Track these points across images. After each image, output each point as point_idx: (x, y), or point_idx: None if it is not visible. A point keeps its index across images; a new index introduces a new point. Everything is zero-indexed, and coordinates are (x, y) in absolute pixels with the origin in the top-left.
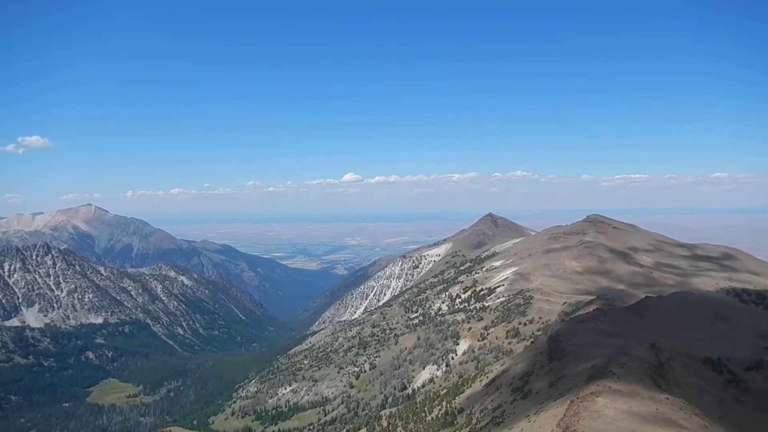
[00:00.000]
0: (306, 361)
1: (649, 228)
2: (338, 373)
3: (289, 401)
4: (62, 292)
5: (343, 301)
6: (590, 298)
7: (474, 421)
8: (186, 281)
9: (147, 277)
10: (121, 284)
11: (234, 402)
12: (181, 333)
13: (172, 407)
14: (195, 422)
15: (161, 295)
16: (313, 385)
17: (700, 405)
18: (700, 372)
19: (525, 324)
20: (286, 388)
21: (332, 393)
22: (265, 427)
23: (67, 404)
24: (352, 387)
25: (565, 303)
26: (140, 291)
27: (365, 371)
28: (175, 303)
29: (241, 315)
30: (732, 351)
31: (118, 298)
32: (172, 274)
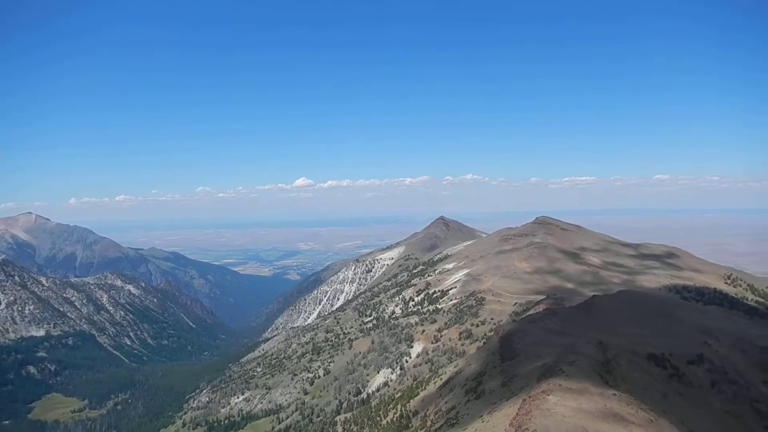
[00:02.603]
0: (259, 369)
1: (596, 228)
2: (292, 379)
3: (242, 410)
4: (0, 304)
5: (297, 307)
6: (540, 297)
7: (429, 423)
8: (133, 290)
9: (92, 287)
10: (64, 295)
11: (185, 413)
12: (129, 343)
13: (120, 421)
14: None
15: (107, 305)
16: (267, 392)
17: (645, 399)
18: (645, 367)
19: (477, 325)
20: (238, 397)
21: (286, 400)
22: None
23: (7, 422)
24: (306, 393)
25: (516, 303)
26: (84, 301)
27: (319, 377)
28: (122, 313)
29: (191, 323)
30: (674, 346)
31: (61, 309)
32: (119, 283)
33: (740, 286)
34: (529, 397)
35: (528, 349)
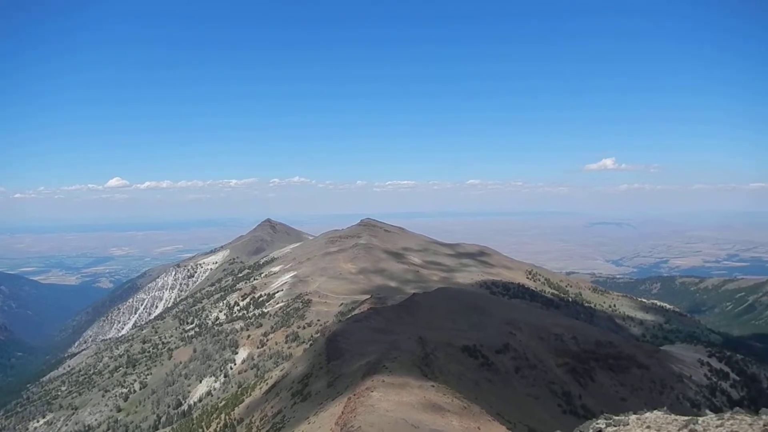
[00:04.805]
0: (64, 388)
1: (416, 230)
2: (103, 396)
3: None
4: None
5: (109, 317)
6: (366, 297)
7: (254, 429)
8: None
9: None
10: None
11: None
12: None
13: None
14: None
15: None
16: (73, 413)
17: (459, 388)
18: (460, 359)
19: (304, 327)
20: (38, 421)
21: (96, 420)
22: None
23: None
24: (119, 410)
25: (342, 304)
26: None
27: (135, 391)
28: None
29: None
30: (485, 338)
31: None
32: None
33: (539, 280)
34: (354, 395)
35: (353, 348)
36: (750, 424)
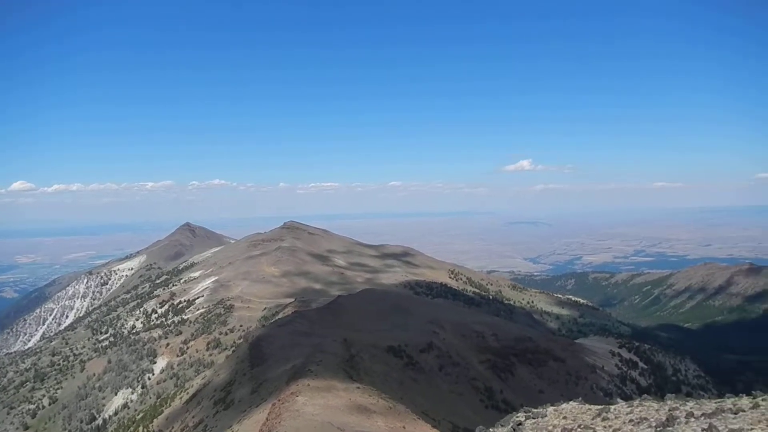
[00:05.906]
0: None
1: (340, 232)
2: (8, 414)
3: None
4: None
5: (14, 330)
6: (290, 300)
7: None
8: None
9: None
10: None
11: None
12: None
13: None
14: None
15: None
16: None
17: (384, 389)
18: (385, 359)
19: (226, 333)
20: None
21: None
22: None
23: None
24: (27, 428)
25: (265, 308)
26: None
27: (44, 407)
28: None
29: None
30: (409, 337)
31: None
32: None
33: (461, 279)
34: (279, 400)
35: (277, 353)
36: (657, 410)
